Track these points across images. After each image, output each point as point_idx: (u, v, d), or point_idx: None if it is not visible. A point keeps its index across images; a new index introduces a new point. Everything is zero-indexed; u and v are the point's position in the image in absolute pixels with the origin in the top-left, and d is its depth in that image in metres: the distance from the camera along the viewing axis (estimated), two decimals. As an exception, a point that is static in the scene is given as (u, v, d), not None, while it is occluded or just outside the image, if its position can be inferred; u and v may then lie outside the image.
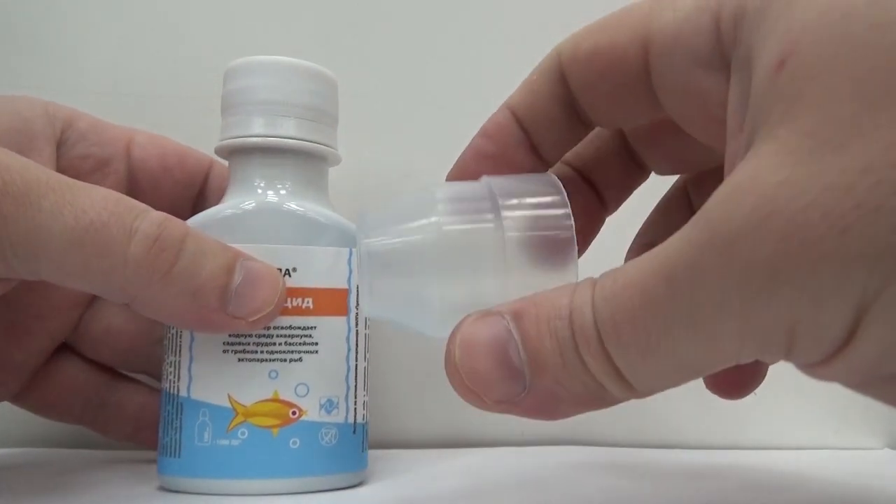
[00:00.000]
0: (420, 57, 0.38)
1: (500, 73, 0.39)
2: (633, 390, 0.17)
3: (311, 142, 0.27)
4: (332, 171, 0.29)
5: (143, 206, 0.23)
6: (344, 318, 0.26)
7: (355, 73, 0.32)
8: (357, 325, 0.27)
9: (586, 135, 0.24)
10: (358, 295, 0.27)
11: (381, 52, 0.38)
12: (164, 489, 0.26)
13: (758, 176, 0.14)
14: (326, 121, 0.28)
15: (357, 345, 0.27)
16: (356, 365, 0.27)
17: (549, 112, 0.22)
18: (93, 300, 0.30)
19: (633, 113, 0.22)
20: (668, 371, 0.16)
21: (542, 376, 0.17)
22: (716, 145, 0.19)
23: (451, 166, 0.23)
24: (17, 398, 0.30)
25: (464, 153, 0.23)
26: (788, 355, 0.15)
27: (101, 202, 0.22)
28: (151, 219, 0.23)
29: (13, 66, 0.37)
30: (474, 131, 0.23)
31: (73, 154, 0.29)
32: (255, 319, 0.24)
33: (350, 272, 0.27)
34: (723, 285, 0.14)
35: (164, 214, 0.23)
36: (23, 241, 0.21)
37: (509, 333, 0.17)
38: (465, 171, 0.23)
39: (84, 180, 0.23)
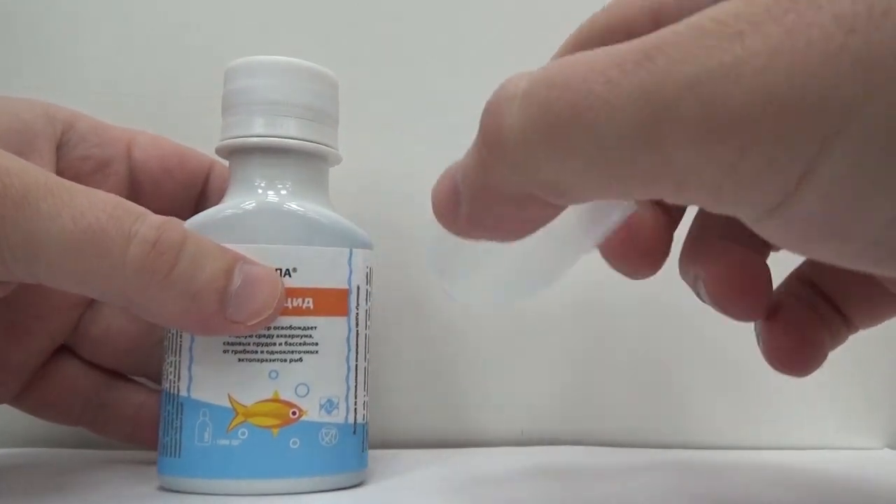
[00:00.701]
0: (420, 57, 0.38)
1: (500, 72, 0.39)
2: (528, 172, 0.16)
3: (311, 142, 0.27)
4: (333, 171, 0.29)
5: (141, 209, 0.23)
6: (344, 319, 0.26)
7: (355, 73, 0.32)
8: (357, 325, 0.27)
9: None
10: (358, 295, 0.27)
11: (381, 52, 0.38)
12: (164, 489, 0.26)
13: None
14: (327, 121, 0.28)
15: (357, 345, 0.27)
16: (356, 365, 0.27)
17: None
18: (92, 301, 0.30)
19: None
20: (595, 161, 0.15)
21: (466, 185, 0.17)
22: None
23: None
24: (17, 399, 0.30)
25: None
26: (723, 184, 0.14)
27: (99, 205, 0.22)
28: (150, 222, 0.23)
29: (13, 66, 0.37)
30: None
31: (74, 155, 0.29)
32: (254, 323, 0.24)
33: (350, 272, 0.27)
34: (708, 58, 0.13)
35: (163, 217, 0.23)
36: (21, 243, 0.21)
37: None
38: None
39: (85, 182, 0.23)
